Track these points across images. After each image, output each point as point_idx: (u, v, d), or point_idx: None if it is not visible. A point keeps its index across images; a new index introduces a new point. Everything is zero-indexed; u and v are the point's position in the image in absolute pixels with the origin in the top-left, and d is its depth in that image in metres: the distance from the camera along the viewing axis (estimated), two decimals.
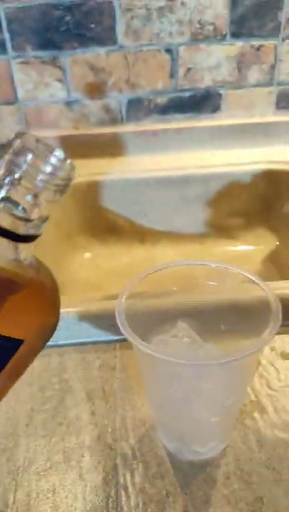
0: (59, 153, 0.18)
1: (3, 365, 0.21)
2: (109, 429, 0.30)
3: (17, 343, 0.21)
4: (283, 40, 0.69)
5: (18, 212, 0.18)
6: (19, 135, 0.18)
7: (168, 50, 0.69)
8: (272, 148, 0.75)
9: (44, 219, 0.19)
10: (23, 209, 0.18)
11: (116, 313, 0.24)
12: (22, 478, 0.27)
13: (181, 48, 0.69)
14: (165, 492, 0.26)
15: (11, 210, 0.18)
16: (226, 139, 0.75)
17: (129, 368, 0.35)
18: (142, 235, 0.75)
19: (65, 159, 0.18)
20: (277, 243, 0.72)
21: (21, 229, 0.18)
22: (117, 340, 0.37)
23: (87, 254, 0.73)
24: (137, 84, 0.71)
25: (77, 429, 0.30)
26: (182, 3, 0.66)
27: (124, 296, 0.25)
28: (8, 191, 0.18)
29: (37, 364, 0.35)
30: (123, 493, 0.26)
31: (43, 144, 0.18)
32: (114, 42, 0.68)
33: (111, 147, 0.75)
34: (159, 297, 0.32)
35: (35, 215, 0.18)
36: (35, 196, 0.18)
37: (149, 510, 0.25)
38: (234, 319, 0.28)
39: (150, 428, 0.30)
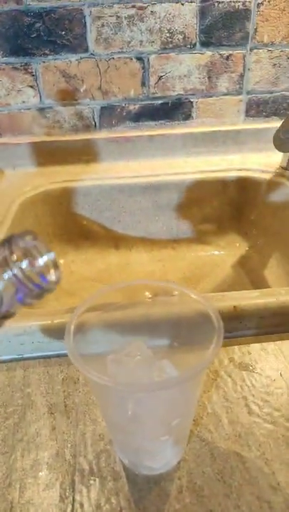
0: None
1: None
2: (69, 445, 0.30)
3: None
4: (251, 49, 0.70)
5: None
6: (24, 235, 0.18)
7: (139, 58, 0.69)
8: (242, 155, 0.77)
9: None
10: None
11: (65, 342, 0.25)
12: None
13: (152, 57, 0.69)
14: (119, 508, 0.26)
15: None
16: (197, 146, 0.76)
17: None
18: (116, 240, 0.76)
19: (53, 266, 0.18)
20: (247, 248, 0.74)
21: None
22: None
23: (61, 261, 0.73)
24: (110, 91, 0.72)
25: (37, 445, 0.31)
26: (152, 12, 0.66)
27: (73, 325, 0.25)
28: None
29: (1, 378, 0.36)
30: (79, 509, 0.26)
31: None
32: (86, 49, 0.68)
33: (84, 154, 0.75)
34: (113, 312, 0.32)
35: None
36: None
37: None
38: (183, 333, 0.29)
39: (108, 443, 0.30)
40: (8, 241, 0.18)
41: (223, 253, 0.75)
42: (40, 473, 0.29)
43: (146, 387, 0.22)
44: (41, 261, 0.18)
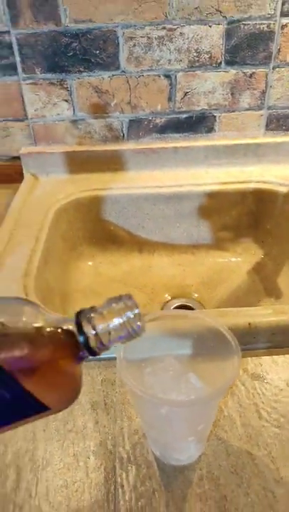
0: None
1: (14, 420, 0.25)
2: (110, 437, 0.37)
3: (42, 408, 0.25)
4: (274, 68, 0.74)
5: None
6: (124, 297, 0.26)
7: (167, 76, 0.74)
8: (262, 167, 0.81)
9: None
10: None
11: (117, 361, 0.31)
12: (41, 475, 0.35)
13: (179, 74, 0.74)
14: (152, 490, 0.33)
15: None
16: (219, 158, 0.81)
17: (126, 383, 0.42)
18: (140, 245, 0.82)
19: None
20: (262, 256, 0.79)
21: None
22: (116, 358, 0.44)
23: (90, 263, 0.80)
24: (138, 105, 0.77)
25: (84, 435, 0.37)
26: (181, 34, 0.70)
27: (122, 352, 0.31)
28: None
29: None
30: (120, 489, 0.33)
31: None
32: (118, 67, 0.73)
33: (112, 163, 0.81)
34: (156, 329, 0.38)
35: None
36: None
37: (139, 504, 0.32)
38: (205, 347, 0.35)
39: (142, 437, 0.37)
40: (120, 297, 0.25)
41: (240, 260, 0.80)
42: (88, 459, 0.36)
43: (180, 403, 0.28)
44: (136, 312, 0.25)
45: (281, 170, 0.80)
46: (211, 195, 0.77)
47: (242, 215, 0.80)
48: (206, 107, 0.77)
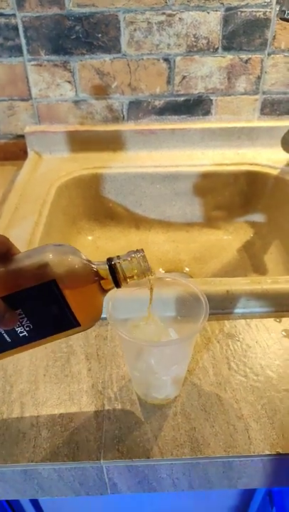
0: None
1: (54, 333, 0.33)
2: (100, 381, 0.44)
3: (75, 324, 0.33)
4: (269, 54, 0.77)
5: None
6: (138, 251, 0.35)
7: (166, 60, 0.77)
8: (255, 150, 0.85)
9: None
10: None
11: (106, 311, 0.37)
12: (42, 409, 0.41)
13: (178, 58, 0.77)
14: (134, 422, 0.40)
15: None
16: (214, 140, 0.85)
17: (116, 338, 0.48)
18: (137, 221, 0.87)
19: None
20: (252, 235, 0.84)
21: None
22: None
23: (90, 237, 0.85)
24: (138, 88, 0.80)
25: (79, 379, 0.44)
26: (180, 19, 0.73)
27: (111, 303, 0.37)
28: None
29: None
30: (107, 420, 0.40)
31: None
32: (119, 50, 0.76)
33: (112, 143, 0.85)
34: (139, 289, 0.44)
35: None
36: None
37: (122, 431, 0.39)
38: (184, 309, 0.41)
39: (128, 382, 0.43)
40: (136, 250, 0.35)
41: (231, 237, 0.85)
42: (81, 398, 0.42)
43: (157, 344, 0.34)
44: (144, 255, 0.35)
45: (273, 153, 0.84)
46: (206, 176, 0.82)
47: (234, 196, 0.84)
48: (203, 91, 0.81)
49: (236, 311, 0.51)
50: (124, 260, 0.34)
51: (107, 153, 0.85)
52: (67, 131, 0.84)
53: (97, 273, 0.34)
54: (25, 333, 0.33)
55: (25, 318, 0.32)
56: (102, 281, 0.34)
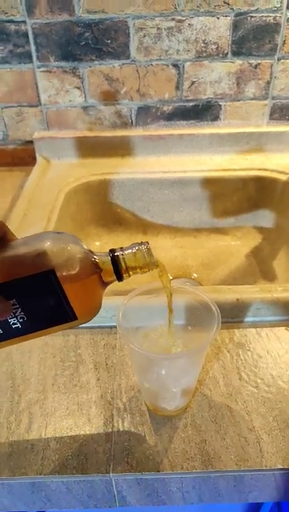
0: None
1: (49, 326, 0.32)
2: (109, 391, 0.43)
3: (72, 317, 0.32)
4: (279, 59, 0.77)
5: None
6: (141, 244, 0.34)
7: (175, 65, 0.77)
8: (264, 155, 0.85)
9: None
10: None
11: (116, 320, 0.37)
12: (50, 420, 0.41)
13: (187, 64, 0.77)
14: (143, 433, 0.39)
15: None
16: (223, 146, 0.84)
17: (125, 347, 0.48)
18: (144, 227, 0.87)
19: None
20: (260, 241, 0.83)
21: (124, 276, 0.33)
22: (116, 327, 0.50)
23: (97, 243, 0.85)
24: (147, 93, 0.80)
25: (87, 389, 0.43)
26: (189, 25, 0.73)
27: (121, 312, 0.37)
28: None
29: (59, 341, 0.49)
30: (116, 432, 0.39)
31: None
32: (128, 56, 0.76)
33: (121, 148, 0.85)
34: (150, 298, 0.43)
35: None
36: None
37: (132, 443, 0.38)
38: (194, 318, 0.40)
39: (137, 392, 0.43)
40: (140, 242, 0.34)
41: (239, 243, 0.85)
42: (90, 408, 0.42)
43: (168, 357, 0.33)
44: (149, 247, 0.34)
45: (282, 158, 0.83)
46: (214, 181, 0.82)
47: (243, 201, 0.84)
48: (211, 96, 0.81)
49: (246, 319, 0.51)
50: (127, 252, 0.33)
51: (116, 159, 0.85)
52: (76, 137, 0.84)
53: (98, 264, 0.32)
54: (19, 324, 0.31)
55: (20, 309, 0.30)
56: (103, 273, 0.32)
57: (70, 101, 0.81)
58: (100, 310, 0.34)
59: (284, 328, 0.50)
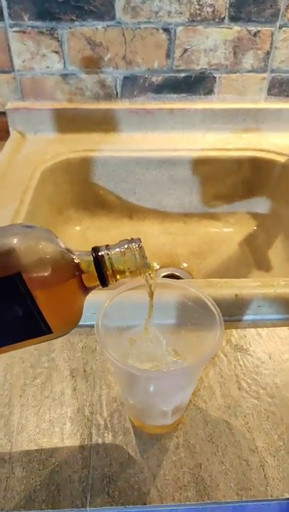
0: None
1: (16, 341, 0.26)
2: (87, 404, 0.37)
3: (46, 330, 0.26)
4: (281, 27, 0.69)
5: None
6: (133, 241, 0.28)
7: (166, 30, 0.69)
8: (260, 134, 0.78)
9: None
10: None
11: (95, 329, 0.30)
12: (16, 440, 0.34)
13: (179, 29, 0.69)
14: (127, 456, 0.33)
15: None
16: (216, 123, 0.77)
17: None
18: (130, 211, 0.79)
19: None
20: (255, 228, 0.77)
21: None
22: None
23: (78, 228, 0.77)
24: (133, 61, 0.72)
25: (61, 402, 0.37)
26: None
27: (102, 315, 0.30)
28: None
29: None
30: (95, 455, 0.33)
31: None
32: (113, 17, 0.68)
33: (104, 123, 0.77)
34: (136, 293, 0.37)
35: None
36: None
37: (113, 469, 0.32)
38: (187, 315, 0.34)
39: (120, 405, 0.37)
40: (131, 239, 0.28)
41: (232, 230, 0.78)
42: (64, 425, 0.35)
43: (158, 375, 0.27)
44: (141, 246, 0.28)
45: (280, 138, 0.77)
46: (207, 162, 0.75)
47: (237, 184, 0.77)
48: (206, 67, 0.73)
49: (245, 318, 0.45)
50: (114, 251, 0.27)
51: (98, 135, 0.77)
52: (54, 109, 0.75)
53: (78, 266, 0.26)
54: None
55: None
56: (84, 277, 0.27)
57: (48, 67, 0.72)
58: (79, 320, 0.28)
59: (287, 328, 0.44)
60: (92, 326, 0.43)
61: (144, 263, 0.27)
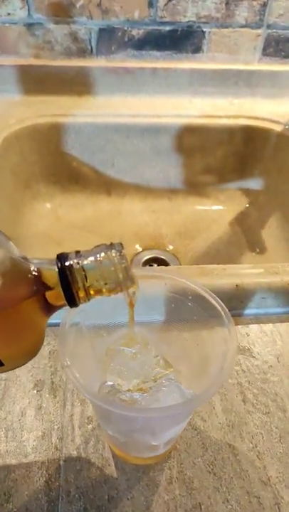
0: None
1: None
2: (56, 427, 0.29)
3: None
4: None
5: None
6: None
7: None
8: (254, 99, 0.70)
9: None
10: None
11: (60, 328, 0.22)
12: None
13: None
14: (107, 497, 0.26)
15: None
16: (205, 86, 0.68)
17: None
18: (107, 186, 0.71)
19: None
20: (247, 205, 0.70)
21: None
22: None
23: (48, 205, 0.68)
24: (110, 10, 0.62)
25: (22, 425, 0.29)
26: None
27: (70, 317, 0.22)
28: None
29: None
30: (65, 497, 0.26)
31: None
32: None
33: (77, 83, 0.67)
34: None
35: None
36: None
37: None
38: (178, 311, 0.27)
39: (97, 427, 0.29)
40: (111, 245, 0.20)
41: (222, 208, 0.71)
42: (25, 458, 0.27)
43: (150, 415, 0.19)
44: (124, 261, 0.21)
45: (276, 104, 0.69)
46: (194, 130, 0.66)
47: (228, 157, 0.69)
48: (194, 19, 0.63)
49: (247, 312, 0.38)
50: (87, 261, 0.19)
51: (71, 97, 0.67)
52: (18, 66, 0.64)
53: (37, 279, 0.19)
54: None
55: None
56: (47, 294, 0.19)
57: (9, 14, 0.61)
58: (40, 347, 0.21)
59: None
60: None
61: (127, 276, 0.20)
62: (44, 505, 0.25)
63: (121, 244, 0.20)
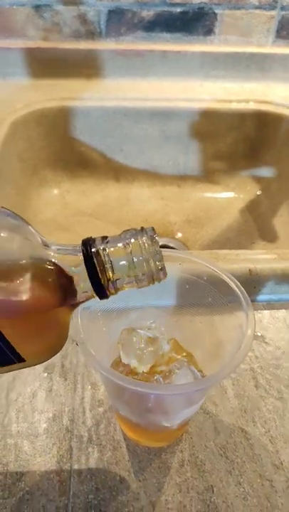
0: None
1: None
2: (66, 409, 0.29)
3: (15, 360, 0.18)
4: None
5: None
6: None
7: None
8: (267, 84, 0.68)
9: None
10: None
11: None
12: None
13: None
14: (118, 478, 0.26)
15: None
16: (217, 69, 0.67)
17: None
18: (116, 171, 0.70)
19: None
20: (259, 193, 0.69)
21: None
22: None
23: (56, 191, 0.67)
24: None
25: (33, 407, 0.29)
26: None
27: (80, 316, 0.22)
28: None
29: None
30: (76, 477, 0.26)
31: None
32: None
33: (86, 66, 0.66)
34: None
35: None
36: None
37: (100, 496, 0.25)
38: (192, 294, 0.26)
39: (109, 409, 0.29)
40: (142, 230, 0.18)
41: (232, 195, 0.70)
42: (36, 438, 0.27)
43: (166, 389, 0.19)
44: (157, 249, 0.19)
45: None
46: (205, 115, 0.65)
47: (238, 142, 0.68)
48: (205, 0, 0.62)
49: (260, 298, 0.37)
50: (116, 247, 0.18)
51: (79, 81, 0.66)
52: (26, 49, 0.63)
53: (59, 271, 0.17)
54: None
55: None
56: (71, 286, 0.18)
57: None
58: (64, 342, 0.20)
59: None
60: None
61: (160, 266, 0.18)
62: (56, 484, 0.25)
63: (153, 229, 0.18)
